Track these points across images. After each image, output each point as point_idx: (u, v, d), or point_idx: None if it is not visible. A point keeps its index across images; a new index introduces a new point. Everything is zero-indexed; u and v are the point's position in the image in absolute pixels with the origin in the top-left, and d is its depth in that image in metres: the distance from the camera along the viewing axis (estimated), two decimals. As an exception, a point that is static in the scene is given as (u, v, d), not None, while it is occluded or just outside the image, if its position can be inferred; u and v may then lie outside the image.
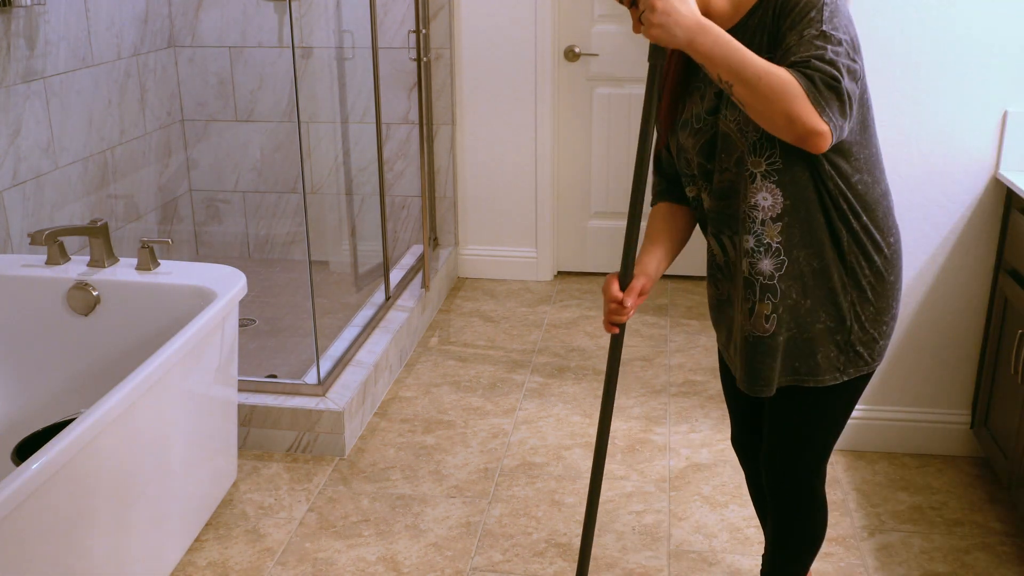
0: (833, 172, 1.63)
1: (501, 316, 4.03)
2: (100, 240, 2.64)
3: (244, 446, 2.96)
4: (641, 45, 4.14)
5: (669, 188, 1.88)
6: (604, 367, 3.54)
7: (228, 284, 2.55)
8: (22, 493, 1.67)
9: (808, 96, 1.48)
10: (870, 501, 2.71)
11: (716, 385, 3.40)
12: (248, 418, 2.93)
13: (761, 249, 1.67)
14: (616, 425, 3.12)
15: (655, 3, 1.49)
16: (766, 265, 1.68)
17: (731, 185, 1.68)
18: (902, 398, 2.92)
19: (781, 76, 1.48)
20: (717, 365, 3.53)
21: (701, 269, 4.40)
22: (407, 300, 3.74)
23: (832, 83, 1.49)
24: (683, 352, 3.68)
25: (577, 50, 4.17)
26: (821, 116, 1.49)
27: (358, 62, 4.18)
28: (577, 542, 2.52)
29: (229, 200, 4.39)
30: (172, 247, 3.90)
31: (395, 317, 3.57)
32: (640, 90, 4.21)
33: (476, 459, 2.93)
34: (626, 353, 3.67)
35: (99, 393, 2.16)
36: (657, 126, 1.79)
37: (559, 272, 4.51)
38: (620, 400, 3.29)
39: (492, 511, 2.67)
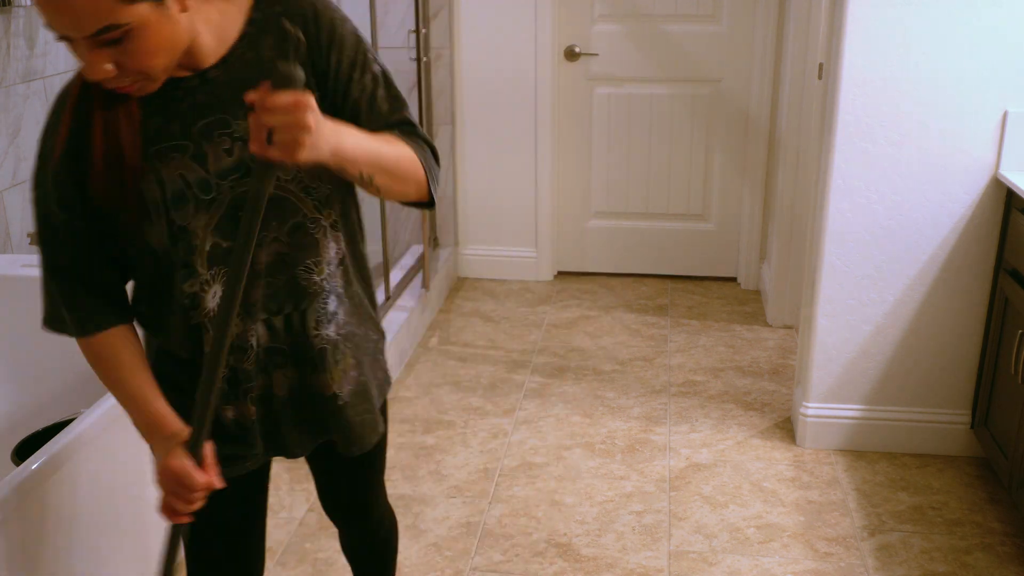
0: (355, 208, 1.55)
1: (501, 316, 4.03)
2: (100, 240, 2.64)
3: (244, 446, 2.96)
4: (641, 44, 4.15)
5: (106, 306, 1.41)
6: (604, 367, 3.54)
7: (228, 284, 2.55)
8: (22, 493, 1.67)
9: (423, 165, 1.43)
10: (870, 501, 2.71)
11: (716, 385, 3.40)
12: (248, 418, 2.92)
13: (334, 297, 1.50)
14: (616, 425, 3.12)
15: (308, 123, 1.18)
16: (341, 312, 1.52)
17: (285, 255, 1.43)
18: (902, 398, 2.92)
19: (407, 154, 1.40)
20: (717, 365, 3.55)
21: (700, 269, 4.40)
22: (407, 300, 3.74)
23: (432, 150, 1.48)
24: (683, 352, 3.68)
25: (577, 50, 4.17)
26: (430, 179, 1.45)
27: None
28: (578, 542, 2.52)
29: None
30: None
31: (395, 317, 3.57)
32: (640, 90, 4.21)
33: (476, 459, 2.93)
34: (626, 353, 3.67)
35: (99, 393, 2.15)
36: (89, 212, 1.35)
37: (559, 272, 4.51)
38: (620, 400, 3.29)
39: (492, 511, 2.67)
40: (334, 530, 2.58)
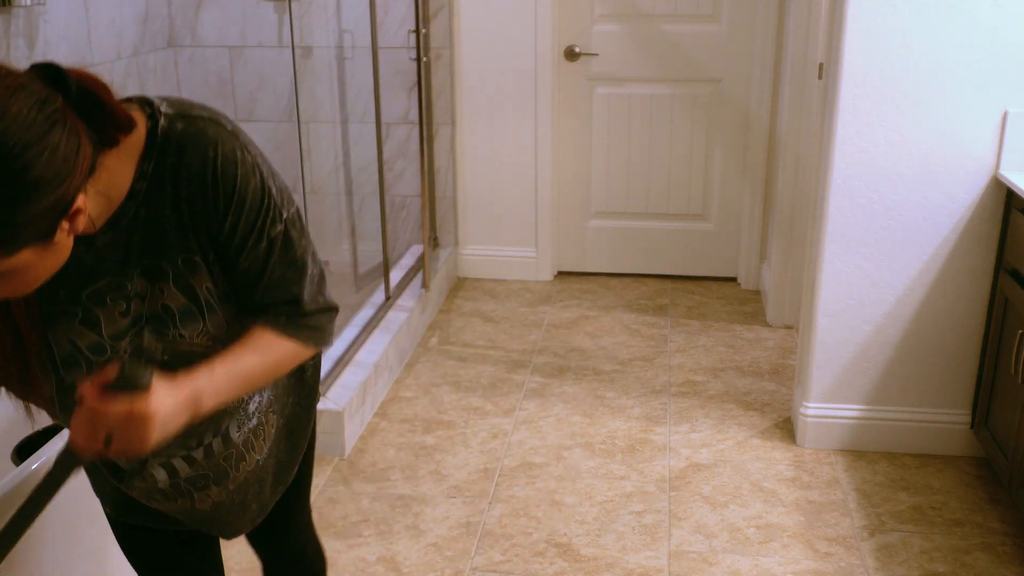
0: None
1: (501, 316, 4.03)
2: (100, 240, 2.63)
3: (244, 446, 2.95)
4: (641, 44, 4.14)
5: None
6: (604, 367, 3.54)
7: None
8: (22, 493, 1.67)
9: (302, 346, 1.32)
10: (870, 501, 2.71)
11: (716, 385, 3.40)
12: (248, 418, 2.92)
13: (256, 394, 1.40)
14: (616, 425, 3.12)
15: (146, 435, 1.10)
16: (266, 393, 1.42)
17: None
18: (902, 398, 2.92)
19: (283, 354, 1.29)
20: (717, 365, 3.55)
21: (700, 269, 4.40)
22: (407, 300, 3.74)
23: (321, 311, 1.35)
24: (683, 352, 3.68)
25: (577, 50, 4.17)
26: (320, 346, 1.36)
27: (358, 62, 4.18)
28: (578, 542, 2.52)
29: (229, 200, 4.38)
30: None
31: (395, 317, 3.57)
32: (640, 90, 4.21)
33: (476, 459, 2.93)
34: (626, 353, 3.67)
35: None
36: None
37: (559, 272, 4.51)
38: (620, 400, 3.29)
39: (492, 511, 2.67)
40: (334, 530, 2.58)
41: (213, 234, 1.22)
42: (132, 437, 1.09)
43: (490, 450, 2.98)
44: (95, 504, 1.51)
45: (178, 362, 1.23)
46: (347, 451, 2.95)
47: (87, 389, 1.08)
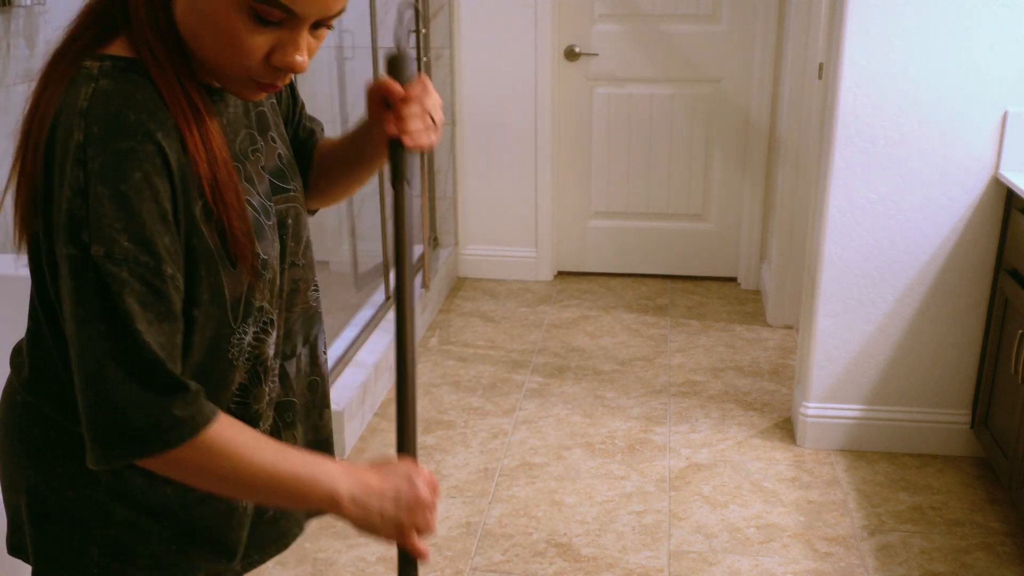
0: None
1: (501, 316, 4.04)
2: (100, 240, 2.63)
3: (244, 446, 2.95)
4: (641, 44, 4.14)
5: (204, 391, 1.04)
6: (604, 367, 3.54)
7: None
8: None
9: None
10: (870, 501, 2.71)
11: (716, 385, 3.40)
12: (248, 418, 2.92)
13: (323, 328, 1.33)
14: (616, 425, 3.12)
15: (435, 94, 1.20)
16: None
17: (299, 280, 1.22)
18: (902, 398, 2.92)
19: None
20: (717, 365, 3.55)
21: (700, 269, 4.40)
22: (407, 300, 3.73)
23: None
24: (683, 352, 3.68)
25: (577, 50, 4.17)
26: None
27: (358, 62, 4.18)
28: (578, 542, 2.52)
29: (229, 200, 4.38)
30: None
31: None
32: (640, 90, 4.21)
33: (476, 459, 2.93)
34: (626, 353, 3.67)
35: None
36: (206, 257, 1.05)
37: (559, 272, 4.52)
38: (620, 400, 3.30)
39: (492, 511, 2.67)
40: (334, 530, 2.58)
41: (287, 111, 1.31)
42: (438, 102, 1.21)
43: (490, 450, 2.98)
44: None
45: (295, 224, 1.19)
46: (347, 451, 2.95)
47: (397, 86, 1.16)
